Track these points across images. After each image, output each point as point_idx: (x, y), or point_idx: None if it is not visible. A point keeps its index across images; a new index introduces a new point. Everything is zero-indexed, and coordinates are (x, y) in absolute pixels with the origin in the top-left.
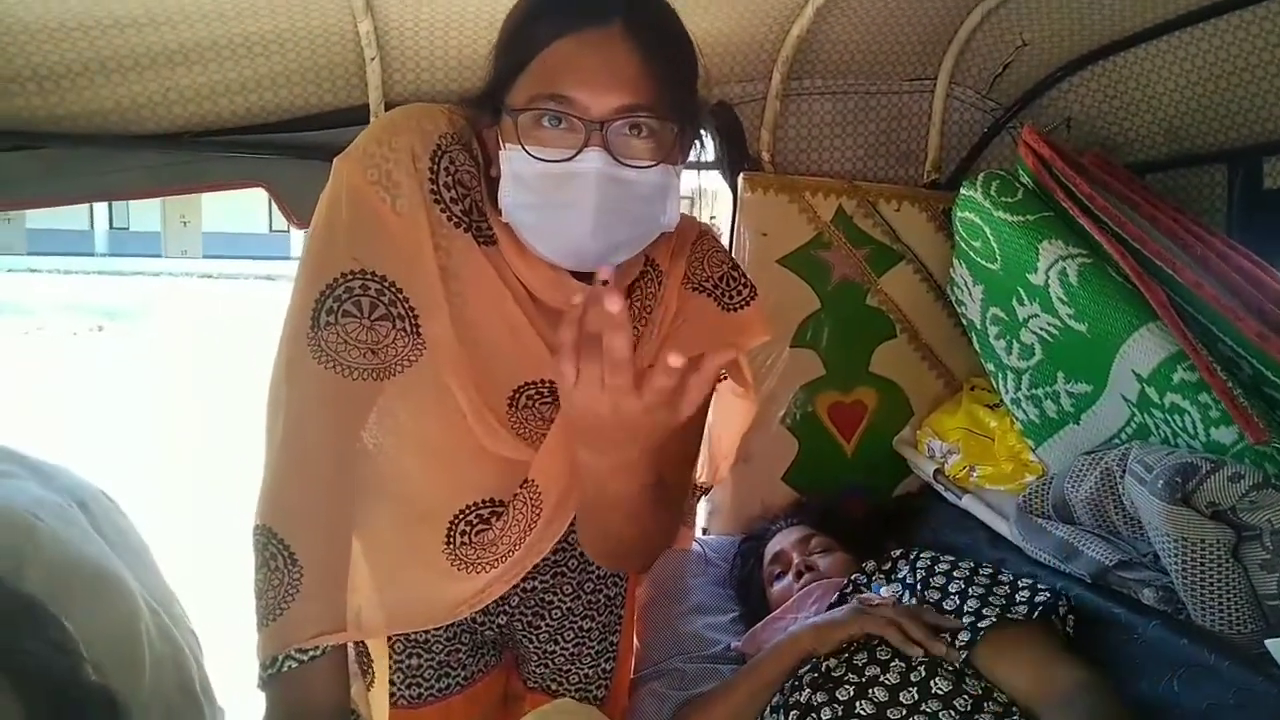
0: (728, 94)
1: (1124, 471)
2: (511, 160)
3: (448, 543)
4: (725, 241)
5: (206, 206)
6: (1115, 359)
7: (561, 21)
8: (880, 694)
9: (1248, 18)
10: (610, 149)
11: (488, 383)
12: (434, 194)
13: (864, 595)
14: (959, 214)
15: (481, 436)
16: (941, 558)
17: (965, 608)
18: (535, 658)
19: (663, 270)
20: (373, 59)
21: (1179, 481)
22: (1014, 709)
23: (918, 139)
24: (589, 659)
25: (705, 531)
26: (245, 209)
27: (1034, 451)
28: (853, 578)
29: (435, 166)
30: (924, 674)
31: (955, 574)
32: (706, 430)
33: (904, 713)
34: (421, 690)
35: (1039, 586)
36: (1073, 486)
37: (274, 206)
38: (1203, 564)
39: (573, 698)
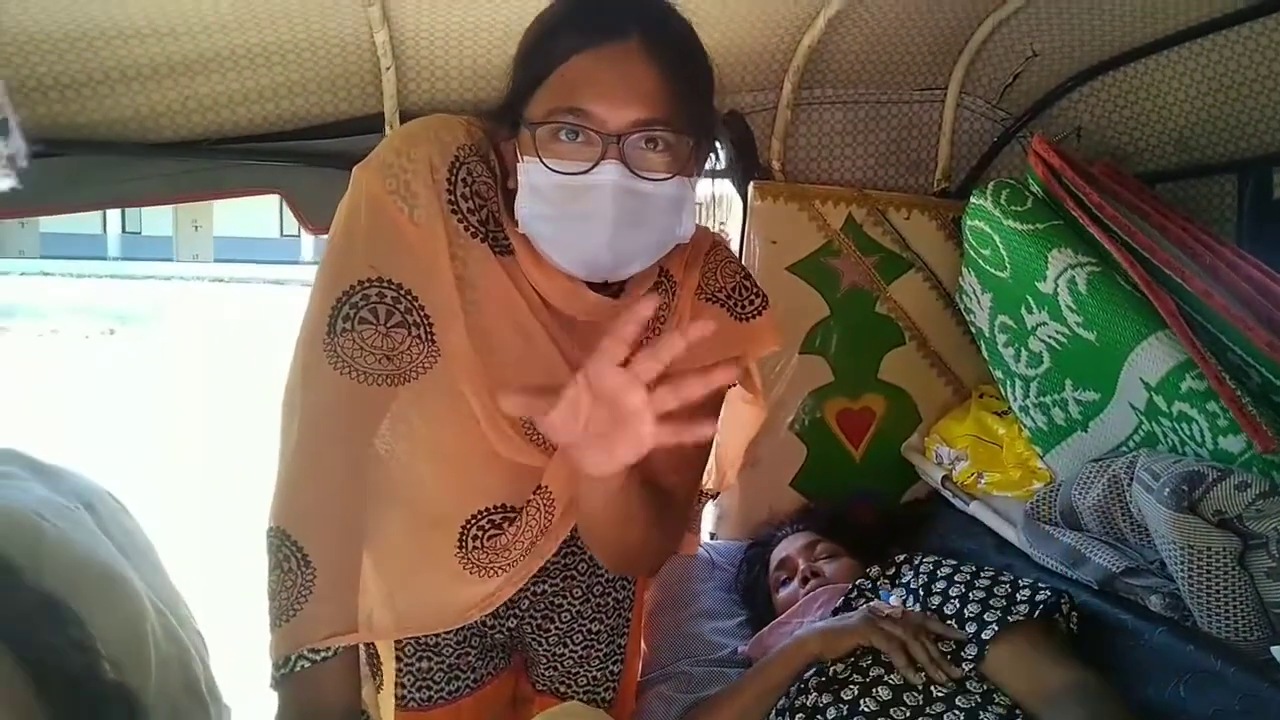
0: (739, 103)
1: (1131, 479)
2: (529, 173)
3: (460, 547)
4: (735, 249)
5: (218, 211)
6: (1123, 367)
7: (580, 37)
8: (884, 693)
9: (1258, 29)
10: (627, 162)
11: (502, 389)
12: (451, 204)
13: (874, 604)
14: (968, 222)
15: (495, 443)
16: (944, 562)
17: (966, 612)
18: (544, 660)
19: (676, 280)
20: (388, 68)
21: (1185, 489)
22: (1017, 711)
23: (928, 148)
24: (597, 662)
25: (713, 536)
26: (256, 214)
27: (1042, 459)
28: (857, 583)
29: (453, 177)
30: (928, 675)
31: (957, 578)
32: (715, 438)
33: (908, 714)
34: (432, 693)
35: (1039, 586)
36: (1080, 493)
37: (285, 211)
38: (1209, 571)
39: (581, 700)
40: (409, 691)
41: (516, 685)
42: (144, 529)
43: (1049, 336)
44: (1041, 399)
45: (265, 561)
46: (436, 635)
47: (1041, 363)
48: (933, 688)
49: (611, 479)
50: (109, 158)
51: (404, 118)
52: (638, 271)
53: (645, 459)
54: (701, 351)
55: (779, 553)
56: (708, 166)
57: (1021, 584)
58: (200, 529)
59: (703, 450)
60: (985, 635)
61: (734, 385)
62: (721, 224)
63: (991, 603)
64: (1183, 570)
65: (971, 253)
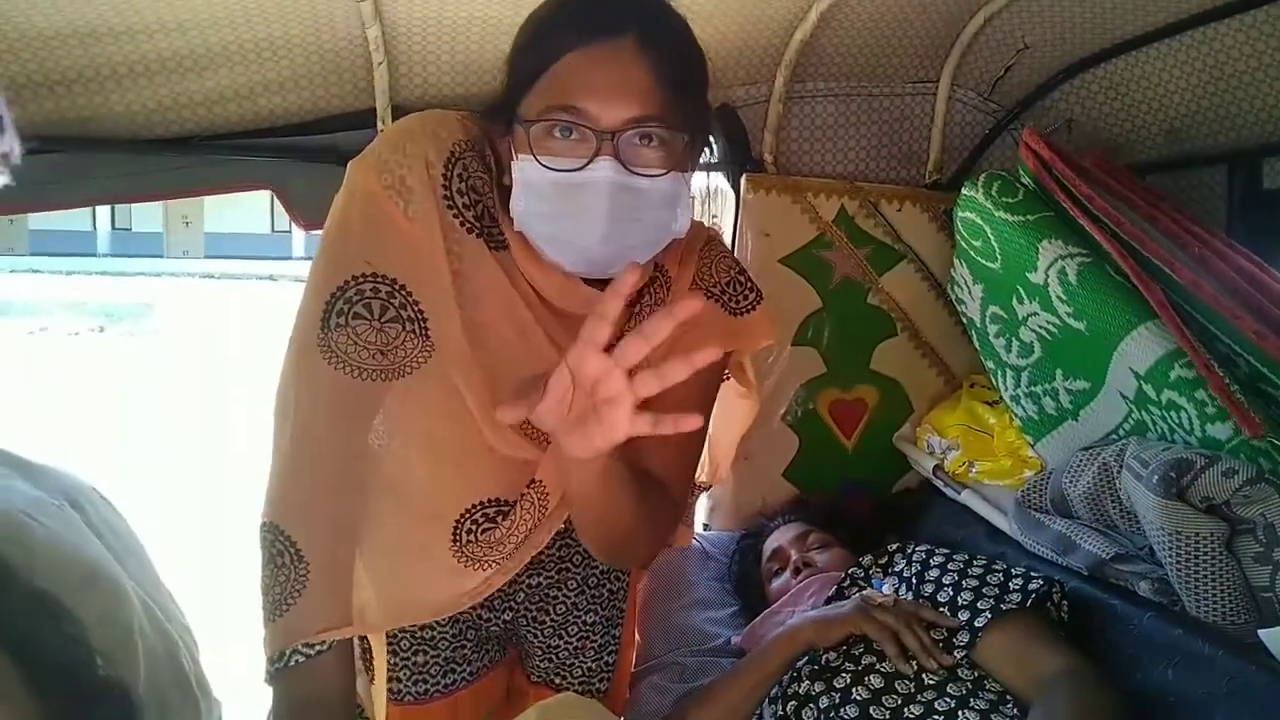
0: (731, 97)
1: (1121, 467)
2: (524, 170)
3: (454, 541)
4: (727, 241)
5: (208, 207)
6: (1113, 356)
7: (574, 34)
8: (876, 681)
9: (1248, 21)
10: (621, 158)
11: (497, 384)
12: (447, 199)
13: (867, 592)
14: (960, 214)
15: (490, 437)
16: (936, 551)
17: (959, 600)
18: (539, 652)
19: (671, 275)
20: (380, 63)
21: (1174, 476)
22: (1008, 696)
23: (920, 140)
24: (592, 653)
25: (706, 527)
26: (247, 209)
27: (1032, 447)
28: (850, 572)
29: (449, 173)
30: (919, 663)
31: (949, 567)
32: (708, 430)
33: (899, 701)
34: (428, 687)
35: (1031, 574)
36: (1070, 482)
37: (276, 207)
38: (1197, 557)
39: (576, 691)
40: (405, 685)
41: (511, 678)
42: (131, 525)
43: (1040, 327)
44: (1032, 388)
45: (259, 556)
46: (432, 629)
47: (1032, 352)
48: (924, 675)
49: (592, 461)
50: (100, 154)
51: (395, 112)
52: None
53: (637, 450)
54: (695, 347)
55: (771, 543)
56: (701, 160)
57: (1014, 573)
58: (192, 524)
59: (696, 442)
60: (978, 623)
61: (726, 378)
62: (714, 217)
63: (984, 591)
64: (1171, 556)
65: (963, 244)
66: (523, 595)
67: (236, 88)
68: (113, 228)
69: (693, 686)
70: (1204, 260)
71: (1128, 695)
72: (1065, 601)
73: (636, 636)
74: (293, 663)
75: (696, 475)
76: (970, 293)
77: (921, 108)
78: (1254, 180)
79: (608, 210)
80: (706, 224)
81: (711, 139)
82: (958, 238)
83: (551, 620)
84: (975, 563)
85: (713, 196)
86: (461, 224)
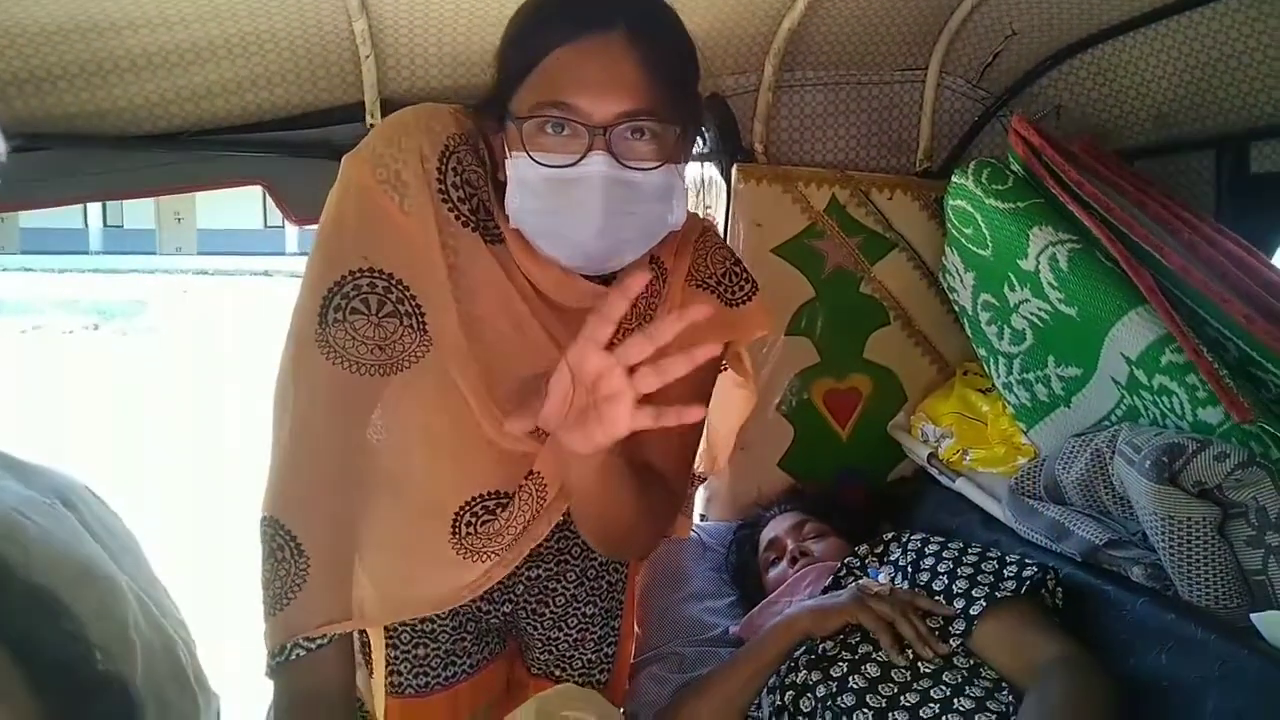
0: (720, 86)
1: (1113, 452)
2: (517, 166)
3: (454, 534)
4: (720, 232)
5: (200, 203)
6: (1105, 342)
7: (563, 28)
8: (872, 670)
9: (1234, 5)
10: (614, 153)
11: (495, 377)
12: (442, 193)
13: (863, 582)
14: (951, 202)
15: (487, 430)
16: (931, 539)
17: (954, 588)
18: (539, 645)
19: (667, 267)
20: (367, 57)
21: (1166, 461)
22: (1003, 684)
23: (909, 128)
24: (592, 644)
25: (703, 518)
26: (239, 205)
27: (1026, 434)
28: (846, 561)
29: (443, 167)
30: (915, 651)
31: (944, 555)
32: (706, 421)
33: (896, 690)
34: (429, 679)
35: (1026, 561)
36: (1064, 468)
37: (268, 202)
38: (1189, 541)
39: (576, 683)
40: (405, 678)
41: (511, 670)
42: (124, 522)
43: (1031, 313)
44: (1025, 375)
45: (259, 551)
46: (432, 622)
47: (1024, 339)
48: (920, 664)
49: (592, 457)
50: (89, 151)
51: (385, 106)
52: (630, 261)
53: (636, 443)
54: (692, 339)
55: (768, 533)
56: (694, 151)
57: (1008, 560)
58: (188, 520)
59: (694, 434)
60: (973, 611)
61: (723, 369)
62: (708, 208)
63: (979, 579)
64: (1164, 540)
65: (954, 232)
66: (522, 588)
67: (224, 83)
68: (104, 225)
69: (691, 676)
70: (1193, 245)
71: (1121, 681)
72: (1059, 588)
73: (635, 627)
74: (293, 657)
75: (695, 466)
76: (962, 280)
77: (911, 95)
78: (1241, 164)
79: (602, 205)
80: (701, 215)
81: (704, 129)
82: (949, 225)
83: (551, 612)
84: (970, 551)
85: (707, 187)
86: (457, 218)
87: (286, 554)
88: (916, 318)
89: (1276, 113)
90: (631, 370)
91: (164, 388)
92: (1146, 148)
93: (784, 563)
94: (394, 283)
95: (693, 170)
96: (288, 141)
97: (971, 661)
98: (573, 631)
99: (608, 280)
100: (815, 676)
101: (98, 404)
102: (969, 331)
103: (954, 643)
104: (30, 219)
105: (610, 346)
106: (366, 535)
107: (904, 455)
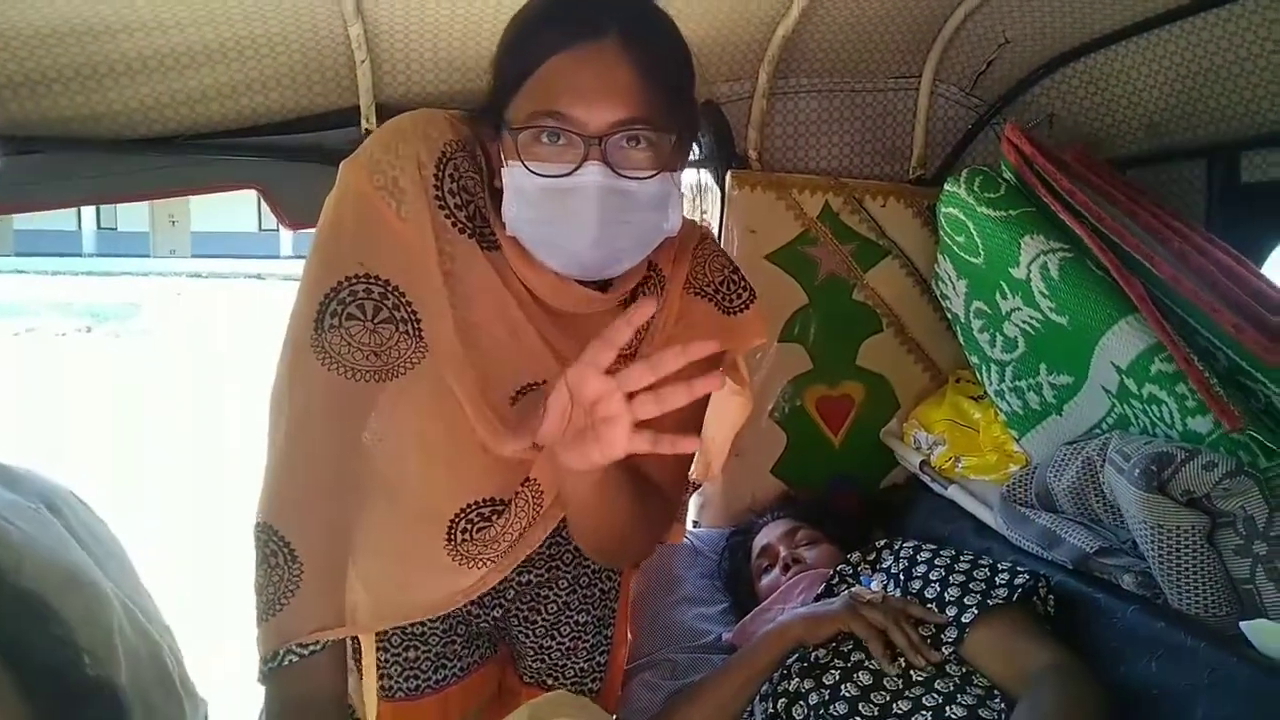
0: (715, 93)
1: (1104, 461)
2: (513, 176)
3: (449, 540)
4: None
5: (195, 206)
6: (1095, 351)
7: (557, 37)
8: (865, 678)
9: (1224, 15)
10: (609, 162)
11: (491, 384)
12: (439, 200)
13: (855, 590)
14: (943, 209)
15: (484, 437)
16: (924, 546)
17: (946, 596)
18: (531, 653)
19: (665, 275)
20: (363, 62)
21: (1155, 470)
22: (995, 692)
23: (903, 136)
24: (585, 653)
25: (696, 524)
26: (234, 208)
27: (1017, 442)
28: (838, 568)
29: (440, 173)
30: (908, 659)
31: (936, 562)
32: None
33: (888, 698)
34: (419, 682)
35: (1018, 569)
36: (1055, 476)
37: (263, 206)
38: (1178, 550)
39: (568, 691)
40: (396, 682)
41: (503, 678)
42: (109, 527)
43: (1023, 321)
44: (1016, 383)
45: (253, 556)
46: (422, 625)
47: (1016, 347)
48: (912, 671)
49: (589, 473)
50: (84, 154)
51: (379, 111)
52: (627, 269)
53: (632, 455)
54: (689, 341)
55: (760, 540)
56: (689, 157)
57: (1000, 567)
58: (183, 524)
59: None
60: (965, 619)
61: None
62: (704, 214)
63: (971, 586)
64: (1153, 549)
65: (946, 240)
66: (513, 592)
67: (219, 86)
68: (98, 227)
69: (684, 683)
70: (1184, 255)
71: (1112, 688)
72: (1051, 596)
73: (628, 634)
74: (286, 662)
75: (690, 473)
76: (954, 288)
77: (904, 103)
78: (1232, 174)
79: (597, 214)
80: (697, 221)
81: (700, 136)
82: (941, 233)
83: (543, 620)
84: (962, 558)
85: (702, 193)
86: (453, 224)
87: (280, 560)
88: (909, 325)
89: (1267, 122)
90: (630, 395)
91: (157, 391)
92: (1138, 156)
93: (776, 570)
94: (390, 289)
95: (688, 176)
96: (282, 146)
97: (963, 669)
98: (565, 640)
99: (604, 286)
100: (808, 684)
101: (91, 407)
102: (961, 339)
103: (946, 650)
104: (24, 221)
105: (611, 371)
106: (361, 541)
107: (896, 462)
